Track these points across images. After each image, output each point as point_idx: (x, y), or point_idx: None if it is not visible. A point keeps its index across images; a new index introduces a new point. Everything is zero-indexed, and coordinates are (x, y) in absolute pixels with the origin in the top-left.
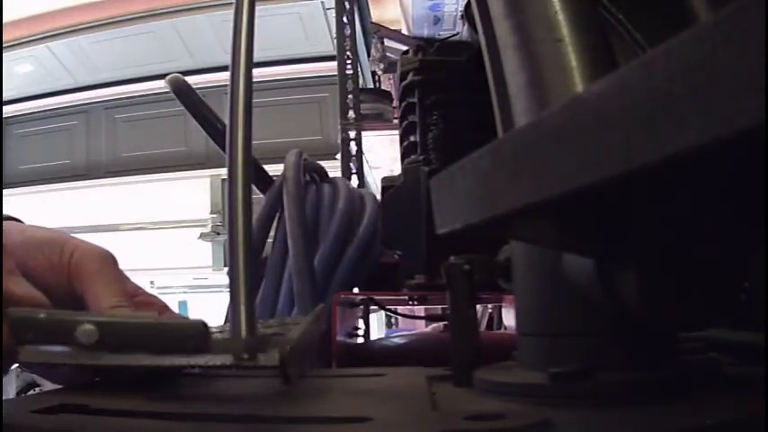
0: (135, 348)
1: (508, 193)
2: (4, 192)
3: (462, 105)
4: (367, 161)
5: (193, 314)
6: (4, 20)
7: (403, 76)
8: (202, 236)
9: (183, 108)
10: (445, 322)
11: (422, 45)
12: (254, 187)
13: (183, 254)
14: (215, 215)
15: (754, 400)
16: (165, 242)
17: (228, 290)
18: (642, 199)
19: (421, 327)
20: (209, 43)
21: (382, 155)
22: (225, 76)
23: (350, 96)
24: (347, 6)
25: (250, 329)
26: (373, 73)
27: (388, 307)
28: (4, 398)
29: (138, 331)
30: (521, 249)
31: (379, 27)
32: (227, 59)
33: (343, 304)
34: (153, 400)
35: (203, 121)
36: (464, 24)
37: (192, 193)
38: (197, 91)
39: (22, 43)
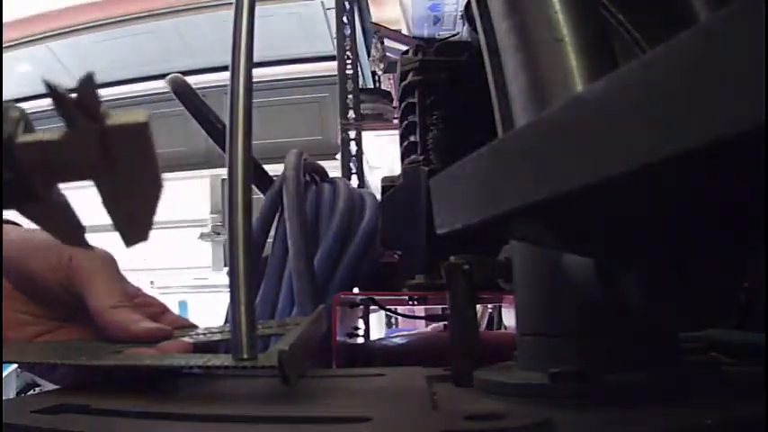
0: None
1: (508, 193)
2: None
3: (462, 105)
4: (367, 161)
5: (193, 314)
6: (5, 20)
7: (403, 76)
8: (202, 236)
9: (183, 108)
10: (445, 322)
11: (422, 45)
12: (254, 187)
13: (183, 254)
14: (215, 215)
15: (754, 400)
16: (165, 242)
17: (228, 290)
18: (642, 199)
19: (421, 327)
20: (209, 43)
21: (382, 155)
22: (225, 76)
23: (350, 96)
24: (347, 6)
25: (250, 329)
26: (373, 73)
27: (388, 307)
28: (4, 398)
29: None
30: (521, 249)
31: (379, 27)
32: (227, 59)
33: (343, 304)
34: (153, 400)
35: (203, 121)
36: (464, 24)
37: (192, 194)
38: (197, 91)
39: (22, 43)
